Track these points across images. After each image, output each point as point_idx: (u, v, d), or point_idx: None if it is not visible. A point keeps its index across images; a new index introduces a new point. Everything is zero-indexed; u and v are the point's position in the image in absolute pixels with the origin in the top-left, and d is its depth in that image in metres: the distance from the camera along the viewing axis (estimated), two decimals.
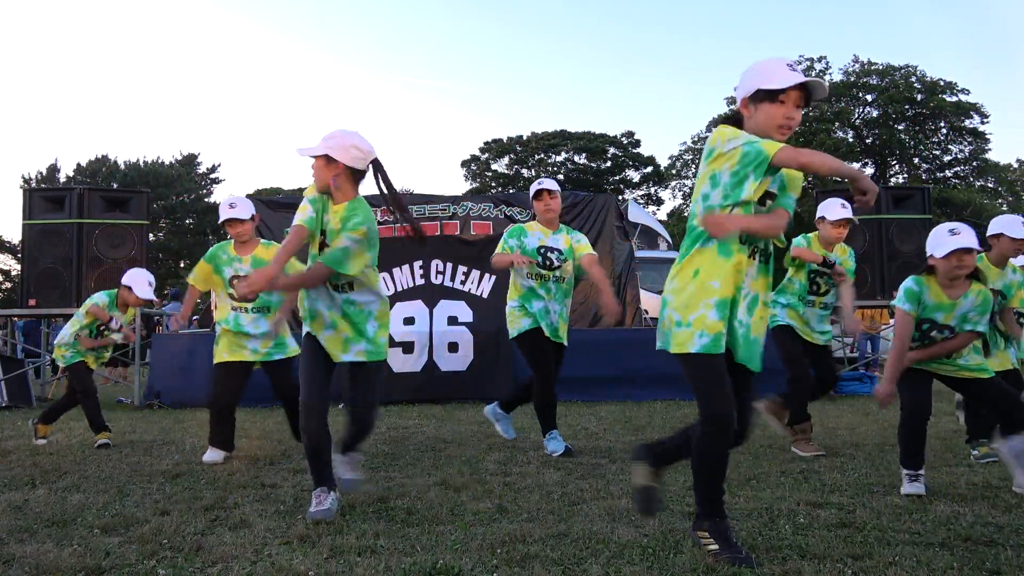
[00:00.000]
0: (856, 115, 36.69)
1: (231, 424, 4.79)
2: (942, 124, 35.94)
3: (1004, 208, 33.81)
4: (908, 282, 3.63)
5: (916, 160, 37.33)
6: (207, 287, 4.93)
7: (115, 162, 39.95)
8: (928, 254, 3.57)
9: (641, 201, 41.26)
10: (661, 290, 2.86)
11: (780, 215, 2.64)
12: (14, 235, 31.46)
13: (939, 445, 4.87)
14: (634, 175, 43.99)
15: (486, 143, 43.72)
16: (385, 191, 3.39)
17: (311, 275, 3.34)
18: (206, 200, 40.49)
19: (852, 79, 36.09)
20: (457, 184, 51.69)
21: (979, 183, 37.01)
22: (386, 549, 2.76)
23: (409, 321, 8.30)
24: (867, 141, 37.01)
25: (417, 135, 77.30)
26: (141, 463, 4.62)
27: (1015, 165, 39.40)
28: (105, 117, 71.85)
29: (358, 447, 3.70)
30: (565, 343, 4.86)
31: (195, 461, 4.65)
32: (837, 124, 35.86)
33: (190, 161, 42.27)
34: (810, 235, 4.94)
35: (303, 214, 3.34)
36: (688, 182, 40.51)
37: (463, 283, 8.76)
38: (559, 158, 43.53)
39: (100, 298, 5.51)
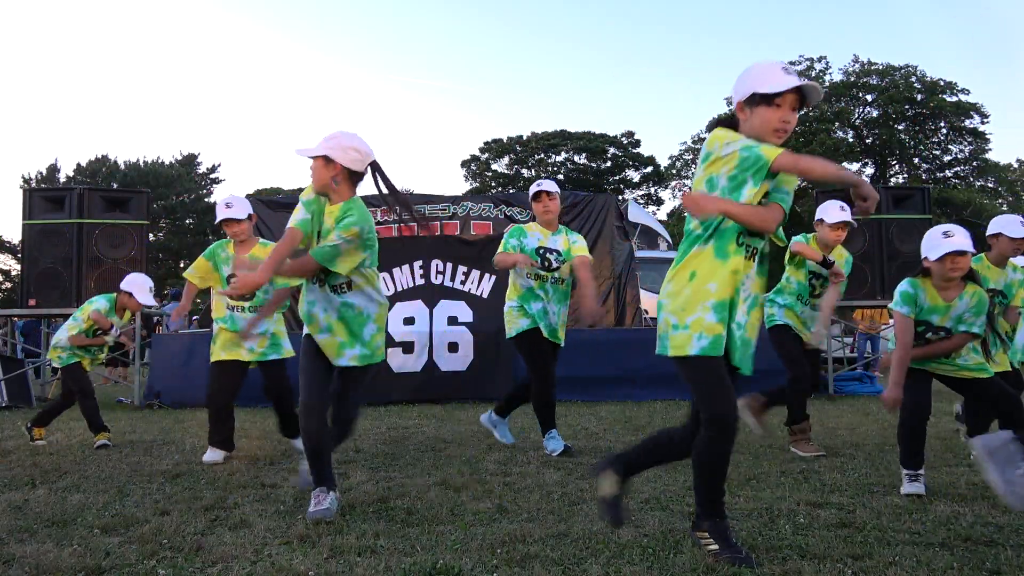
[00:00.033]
0: (856, 115, 36.65)
1: (230, 424, 4.81)
2: (942, 124, 35.90)
3: (1004, 208, 33.77)
4: (903, 285, 3.62)
5: (916, 160, 37.30)
6: (205, 284, 4.95)
7: (115, 162, 39.97)
8: (923, 256, 3.57)
9: (641, 201, 41.26)
10: None
11: (773, 208, 2.61)
12: (14, 235, 31.53)
13: (939, 445, 4.88)
14: (634, 175, 43.99)
15: (486, 143, 43.75)
16: (387, 192, 3.39)
17: (298, 264, 3.31)
18: (206, 200, 40.48)
19: (852, 79, 36.04)
20: (457, 184, 51.71)
21: (979, 183, 36.98)
22: (386, 549, 2.76)
23: (409, 321, 8.31)
24: (867, 141, 36.98)
25: (417, 135, 77.43)
26: (141, 463, 4.62)
27: (1015, 165, 39.40)
28: (105, 117, 71.97)
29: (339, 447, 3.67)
30: (562, 344, 4.88)
31: (195, 461, 4.65)
32: (837, 124, 35.83)
33: (190, 161, 42.29)
34: (809, 235, 4.93)
35: (297, 217, 3.35)
36: (688, 182, 40.48)
37: (463, 283, 8.76)
38: (559, 158, 43.53)
39: (101, 304, 5.51)
